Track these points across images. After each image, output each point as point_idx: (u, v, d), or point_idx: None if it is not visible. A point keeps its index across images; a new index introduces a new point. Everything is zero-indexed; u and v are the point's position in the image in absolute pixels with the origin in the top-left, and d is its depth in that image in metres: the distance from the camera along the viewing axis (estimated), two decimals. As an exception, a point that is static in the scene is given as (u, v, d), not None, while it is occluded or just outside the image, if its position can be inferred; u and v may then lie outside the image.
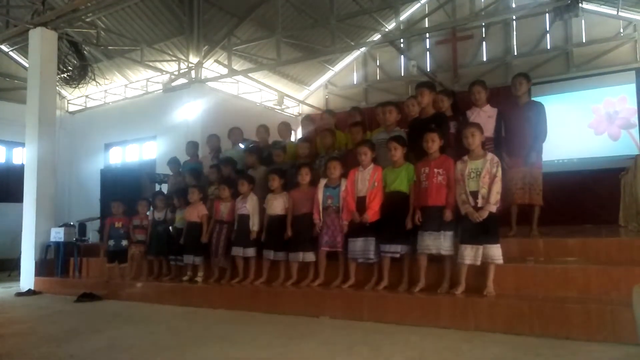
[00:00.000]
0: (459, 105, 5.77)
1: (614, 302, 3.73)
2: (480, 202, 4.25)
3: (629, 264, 4.33)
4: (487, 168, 4.29)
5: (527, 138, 5.21)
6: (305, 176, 5.45)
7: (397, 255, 4.69)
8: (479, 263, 4.23)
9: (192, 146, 7.62)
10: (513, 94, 5.43)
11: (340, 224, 5.00)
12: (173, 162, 7.57)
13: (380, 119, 5.66)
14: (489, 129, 5.09)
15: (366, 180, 4.93)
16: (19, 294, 7.22)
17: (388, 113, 5.43)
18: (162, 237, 6.66)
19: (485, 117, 5.24)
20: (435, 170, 4.54)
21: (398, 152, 4.81)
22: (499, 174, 4.29)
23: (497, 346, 3.55)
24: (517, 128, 5.26)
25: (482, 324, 3.99)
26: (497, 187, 4.26)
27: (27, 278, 7.70)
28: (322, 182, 5.24)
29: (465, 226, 4.33)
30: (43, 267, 7.71)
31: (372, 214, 4.80)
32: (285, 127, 6.91)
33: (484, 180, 4.26)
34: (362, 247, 4.82)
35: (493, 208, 4.24)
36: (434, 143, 4.58)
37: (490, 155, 4.38)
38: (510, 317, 3.93)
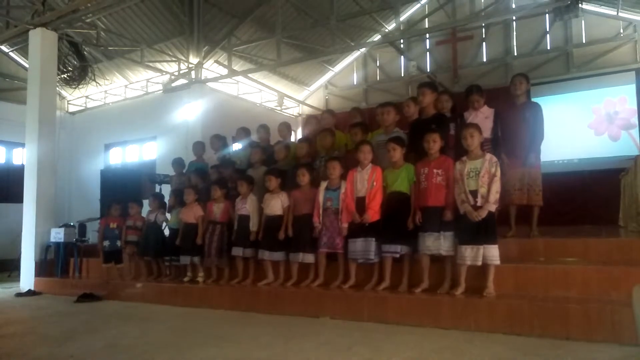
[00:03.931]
0: (456, 107, 5.78)
1: (614, 302, 3.73)
2: (479, 201, 4.25)
3: (628, 264, 4.33)
4: (485, 167, 4.29)
5: (524, 139, 5.20)
6: (302, 177, 5.44)
7: (397, 255, 4.70)
8: (479, 263, 4.23)
9: (199, 146, 7.58)
10: (512, 93, 5.42)
11: (340, 226, 5.01)
12: (177, 162, 7.53)
13: (380, 120, 5.67)
14: (486, 130, 5.09)
15: (365, 180, 4.93)
16: (19, 295, 7.22)
17: (386, 114, 5.42)
18: (150, 238, 6.68)
19: (482, 118, 5.25)
20: (435, 170, 4.54)
21: (397, 153, 4.81)
22: (498, 173, 4.30)
23: (497, 346, 3.55)
24: (514, 129, 5.26)
25: (482, 324, 3.99)
26: (496, 186, 4.26)
27: (27, 278, 7.69)
28: (323, 184, 5.24)
29: (464, 227, 4.33)
30: (43, 268, 7.71)
31: (372, 214, 4.80)
32: (286, 127, 6.91)
33: (482, 179, 4.27)
34: (363, 247, 4.81)
35: (492, 207, 4.24)
36: (435, 143, 4.58)
37: (489, 155, 4.39)
38: (510, 317, 3.93)
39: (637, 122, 10.08)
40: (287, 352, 3.63)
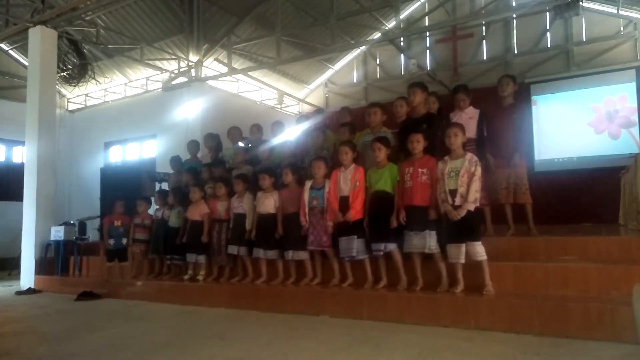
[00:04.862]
0: (442, 108, 5.80)
1: (614, 301, 3.74)
2: (458, 200, 4.28)
3: (628, 263, 4.32)
4: (465, 167, 4.32)
5: (510, 139, 5.25)
6: (286, 176, 5.49)
7: (381, 253, 4.73)
8: (463, 261, 4.28)
9: (193, 145, 7.61)
10: (499, 94, 5.46)
11: (325, 224, 5.04)
12: (174, 160, 7.54)
13: (367, 121, 5.65)
14: (470, 130, 5.12)
15: (348, 180, 4.97)
16: (19, 293, 7.23)
17: (373, 115, 5.43)
18: (160, 235, 6.67)
19: (466, 118, 5.29)
20: (420, 170, 4.58)
21: (382, 153, 4.84)
22: (478, 172, 4.31)
23: (497, 345, 3.55)
24: (500, 129, 5.30)
25: (482, 323, 3.99)
26: (476, 185, 4.28)
27: (27, 277, 7.70)
28: (308, 183, 5.28)
29: (448, 225, 4.37)
30: (43, 266, 7.71)
31: (354, 213, 4.84)
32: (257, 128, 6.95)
33: (462, 179, 4.30)
34: (346, 245, 4.86)
35: (471, 206, 4.27)
36: (418, 144, 4.63)
37: (469, 155, 4.42)
38: (510, 315, 3.93)
39: (637, 120, 10.06)
40: (287, 350, 3.63)
